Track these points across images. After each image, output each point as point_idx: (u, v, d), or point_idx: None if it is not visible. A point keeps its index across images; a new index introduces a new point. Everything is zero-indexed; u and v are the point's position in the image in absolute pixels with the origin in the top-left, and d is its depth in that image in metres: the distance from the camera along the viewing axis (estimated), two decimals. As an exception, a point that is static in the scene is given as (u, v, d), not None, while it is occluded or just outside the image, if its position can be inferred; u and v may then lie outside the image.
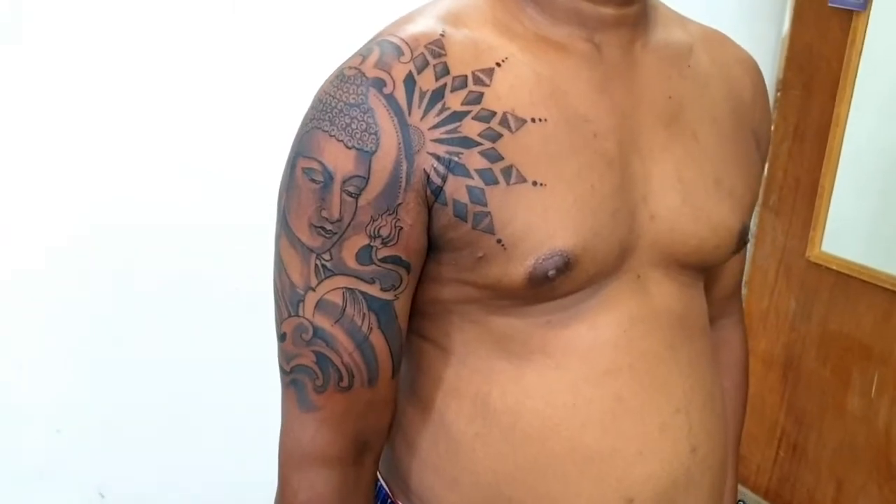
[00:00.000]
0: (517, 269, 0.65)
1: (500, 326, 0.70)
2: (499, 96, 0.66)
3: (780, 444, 2.10)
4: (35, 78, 1.21)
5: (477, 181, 0.64)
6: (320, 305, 0.66)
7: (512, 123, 0.66)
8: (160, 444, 1.47)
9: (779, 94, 2.00)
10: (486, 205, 0.64)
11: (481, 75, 0.66)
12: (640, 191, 0.71)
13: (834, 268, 1.91)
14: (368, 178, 0.64)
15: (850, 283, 1.88)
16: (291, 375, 0.68)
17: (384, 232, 0.64)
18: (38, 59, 1.20)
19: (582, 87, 0.69)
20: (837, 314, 1.93)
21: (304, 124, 0.67)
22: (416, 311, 0.73)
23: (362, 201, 0.64)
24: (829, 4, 1.84)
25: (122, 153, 1.31)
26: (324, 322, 0.66)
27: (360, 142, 0.63)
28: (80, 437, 1.42)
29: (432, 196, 0.65)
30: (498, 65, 0.67)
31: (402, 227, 0.65)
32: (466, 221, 0.65)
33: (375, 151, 0.63)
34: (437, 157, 0.64)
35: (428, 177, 0.64)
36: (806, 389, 2.02)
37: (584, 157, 0.68)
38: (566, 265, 0.66)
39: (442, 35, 0.66)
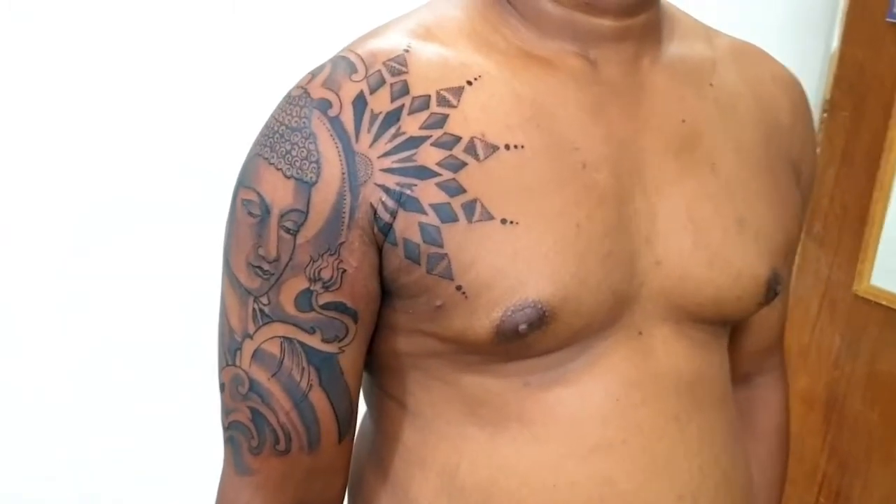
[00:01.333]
0: (482, 322, 0.55)
1: (470, 387, 0.60)
2: (467, 119, 0.56)
3: (820, 489, 1.96)
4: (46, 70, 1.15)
5: (431, 217, 0.55)
6: (257, 355, 0.57)
7: (480, 150, 0.56)
8: (186, 472, 1.39)
9: (825, 115, 1.87)
10: (441, 245, 0.55)
11: (447, 95, 0.56)
12: (644, 231, 0.60)
13: (884, 303, 1.77)
14: (307, 212, 0.55)
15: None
16: (228, 432, 0.61)
17: (325, 275, 0.55)
18: (45, 52, 1.14)
19: (571, 110, 0.59)
20: (887, 353, 1.79)
21: (250, 151, 0.59)
22: (377, 362, 0.63)
23: (301, 239, 0.55)
24: (887, 19, 1.71)
25: (134, 156, 1.24)
26: (260, 375, 0.58)
27: (299, 171, 0.54)
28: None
29: (380, 234, 0.55)
30: (469, 83, 0.57)
31: (345, 270, 0.55)
32: (420, 264, 0.55)
33: (315, 182, 0.54)
34: (387, 190, 0.54)
35: (375, 212, 0.54)
36: (851, 432, 1.88)
37: (569, 190, 0.57)
38: (541, 319, 0.55)
39: (406, 50, 0.57)
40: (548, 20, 0.59)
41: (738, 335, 0.76)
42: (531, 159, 0.57)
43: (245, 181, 0.57)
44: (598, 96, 0.60)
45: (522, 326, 0.55)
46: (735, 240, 0.63)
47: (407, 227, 0.55)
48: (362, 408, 0.67)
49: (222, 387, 0.60)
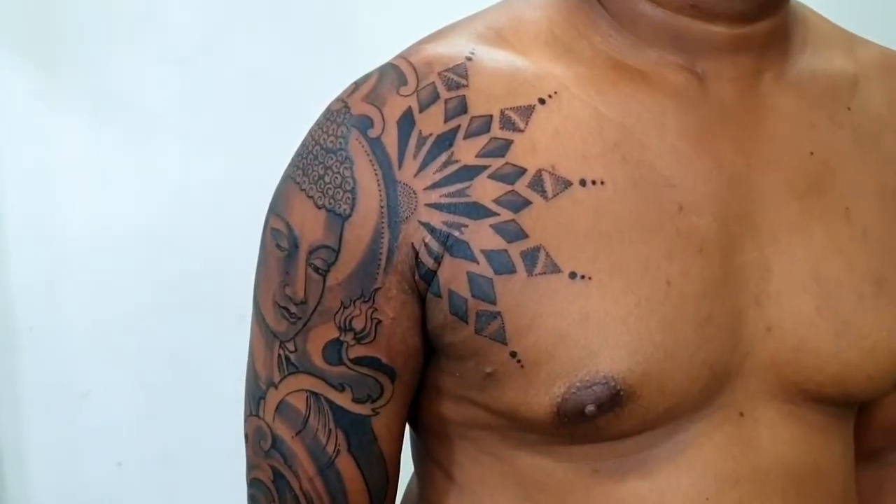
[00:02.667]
0: (540, 399, 0.46)
1: (527, 467, 0.50)
2: (535, 146, 0.46)
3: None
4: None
5: (483, 267, 0.45)
6: (282, 409, 0.50)
7: (548, 186, 0.46)
8: (222, 482, 1.35)
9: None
10: (494, 301, 0.45)
11: (513, 116, 0.47)
12: (753, 290, 0.49)
13: None
14: (339, 250, 0.46)
15: None
16: (250, 490, 0.54)
17: (357, 324, 0.47)
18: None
19: (668, 138, 0.48)
20: None
21: (284, 172, 0.51)
22: (423, 424, 0.54)
23: (331, 280, 0.47)
24: None
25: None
26: (284, 431, 0.50)
27: (332, 200, 0.46)
28: (140, 472, 1.33)
29: (422, 282, 0.46)
30: (542, 101, 0.47)
31: (380, 321, 0.47)
32: (467, 323, 0.46)
33: (349, 215, 0.46)
34: (432, 229, 0.45)
35: (417, 255, 0.46)
36: None
37: (659, 239, 0.47)
38: (614, 399, 0.45)
39: (468, 58, 0.48)
40: (646, 25, 0.48)
41: (867, 406, 0.63)
42: (612, 199, 0.46)
43: (275, 207, 0.50)
44: (705, 120, 0.49)
45: (590, 407, 0.45)
46: (871, 305, 0.50)
47: (453, 276, 0.46)
48: (408, 467, 0.58)
49: (246, 437, 0.53)
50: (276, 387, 0.50)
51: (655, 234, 0.47)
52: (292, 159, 0.50)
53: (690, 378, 0.47)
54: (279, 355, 0.49)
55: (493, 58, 0.48)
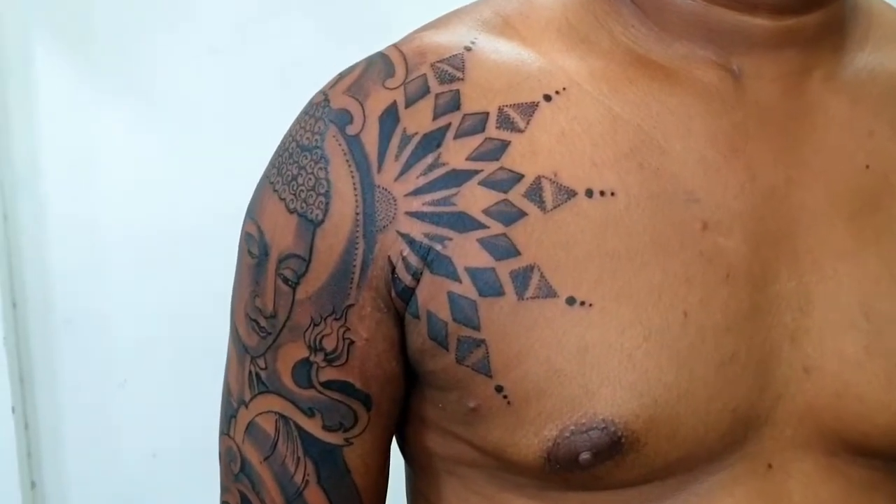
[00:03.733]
0: (528, 441, 0.40)
1: None
2: (535, 149, 0.40)
3: None
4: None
5: (467, 287, 0.40)
6: (251, 430, 0.46)
7: (548, 196, 0.40)
8: None
9: None
10: (478, 327, 0.40)
11: (513, 114, 0.41)
12: (789, 324, 0.42)
13: None
14: (310, 260, 0.42)
15: None
16: None
17: (328, 344, 0.42)
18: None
19: (694, 144, 0.42)
20: None
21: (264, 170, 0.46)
22: (411, 457, 0.49)
23: (301, 293, 0.42)
24: None
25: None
26: (252, 454, 0.46)
27: (304, 204, 0.42)
28: (175, 463, 1.31)
29: (400, 301, 0.41)
30: (547, 98, 0.41)
31: (352, 342, 0.42)
32: (448, 350, 0.40)
33: (322, 222, 0.41)
34: (411, 241, 0.40)
35: (394, 270, 0.40)
36: None
37: (676, 262, 0.40)
38: (614, 446, 0.39)
39: (468, 48, 0.42)
40: (674, 14, 0.42)
41: None
42: (624, 213, 0.40)
43: (250, 209, 0.45)
44: (739, 125, 0.42)
45: (585, 455, 0.39)
46: None
47: (433, 296, 0.40)
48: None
49: (219, 456, 0.49)
50: (246, 406, 0.45)
51: (673, 256, 0.40)
52: (272, 157, 0.45)
53: (708, 424, 0.40)
54: (250, 371, 0.45)
55: (496, 48, 0.43)
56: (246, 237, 0.45)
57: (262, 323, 0.43)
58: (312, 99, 0.44)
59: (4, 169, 1.15)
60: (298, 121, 0.44)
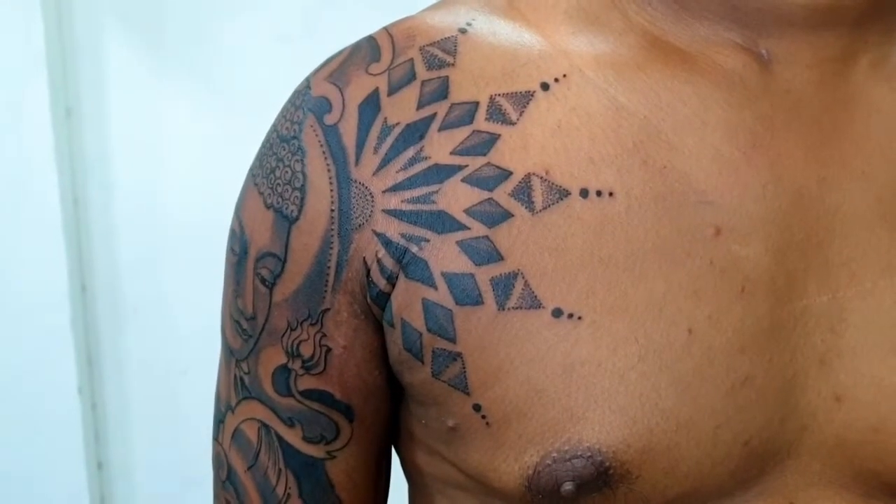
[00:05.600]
0: (509, 467, 0.36)
1: None
2: (527, 144, 0.37)
3: None
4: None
5: (443, 294, 0.36)
6: (237, 437, 0.43)
7: (538, 195, 0.36)
8: None
9: None
10: (454, 339, 0.36)
11: (505, 104, 0.37)
12: (817, 345, 0.37)
13: None
14: (285, 259, 0.39)
15: None
16: None
17: (305, 351, 0.39)
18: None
19: (710, 139, 0.37)
20: None
21: None
22: (406, 471, 0.46)
23: (277, 295, 0.40)
24: None
25: None
26: (237, 463, 0.44)
27: (279, 199, 0.39)
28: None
29: (376, 307, 0.38)
30: (544, 87, 0.37)
31: (329, 349, 0.39)
32: (423, 363, 0.37)
33: (297, 219, 0.38)
34: (387, 242, 0.37)
35: (369, 272, 0.37)
36: None
37: (683, 272, 0.36)
38: (602, 478, 0.35)
39: (462, 30, 0.39)
40: None
41: None
42: (623, 215, 0.36)
43: (236, 205, 0.43)
44: (764, 118, 0.37)
45: (567, 486, 0.35)
46: None
47: (407, 302, 0.37)
48: None
49: (212, 462, 0.47)
50: (232, 411, 0.43)
51: (678, 265, 0.36)
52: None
53: (714, 457, 0.36)
54: (235, 375, 0.43)
55: (494, 30, 0.39)
56: (230, 234, 0.42)
57: (244, 325, 0.41)
58: (297, 87, 0.41)
59: (76, 155, 1.18)
60: (282, 110, 0.41)
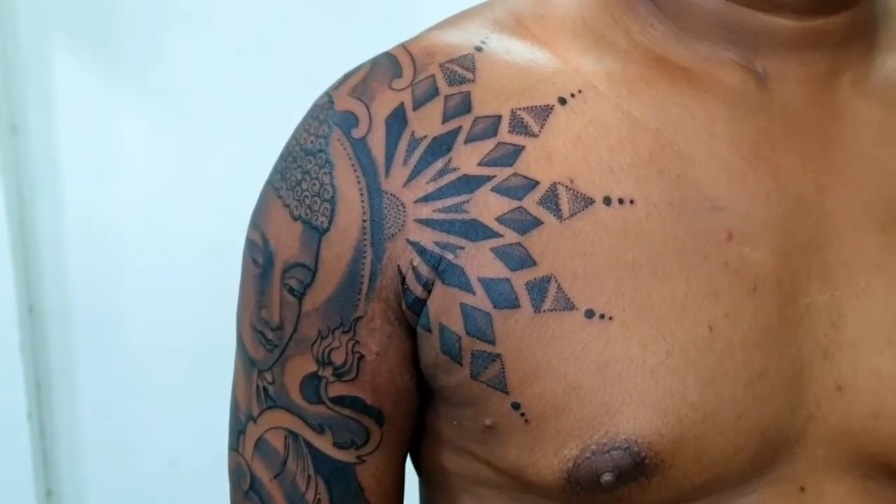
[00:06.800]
0: (548, 461, 0.38)
1: None
2: (550, 155, 0.38)
3: None
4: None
5: (481, 299, 0.38)
6: (260, 446, 0.44)
7: (565, 203, 0.38)
8: None
9: None
10: (493, 341, 0.38)
11: (526, 117, 0.39)
12: (820, 340, 0.40)
13: None
14: (316, 269, 0.40)
15: None
16: None
17: (336, 358, 0.40)
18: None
19: (718, 150, 0.39)
20: None
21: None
22: (426, 474, 0.47)
23: (307, 305, 0.40)
24: None
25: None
26: (262, 472, 0.44)
27: (308, 211, 0.40)
28: (195, 471, 1.30)
29: (411, 313, 0.39)
30: (562, 101, 0.39)
31: (362, 356, 0.40)
32: (462, 365, 0.39)
33: (327, 229, 0.39)
34: (422, 250, 0.38)
35: (404, 280, 0.38)
36: None
37: (700, 273, 0.38)
38: (637, 468, 0.37)
39: (478, 48, 0.41)
40: (695, 14, 0.40)
41: None
42: (644, 221, 0.38)
43: (254, 216, 0.44)
44: (765, 130, 0.40)
45: (606, 476, 0.37)
46: None
47: (445, 308, 0.38)
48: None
49: (229, 472, 0.47)
50: (255, 421, 0.44)
51: (697, 267, 0.38)
52: (276, 161, 0.44)
53: (737, 445, 0.38)
54: (258, 385, 0.43)
55: (508, 48, 0.41)
56: (250, 245, 0.43)
57: (269, 335, 0.42)
58: (316, 101, 0.42)
59: (23, 173, 1.15)
60: (303, 124, 0.42)
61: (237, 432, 0.45)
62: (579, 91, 0.39)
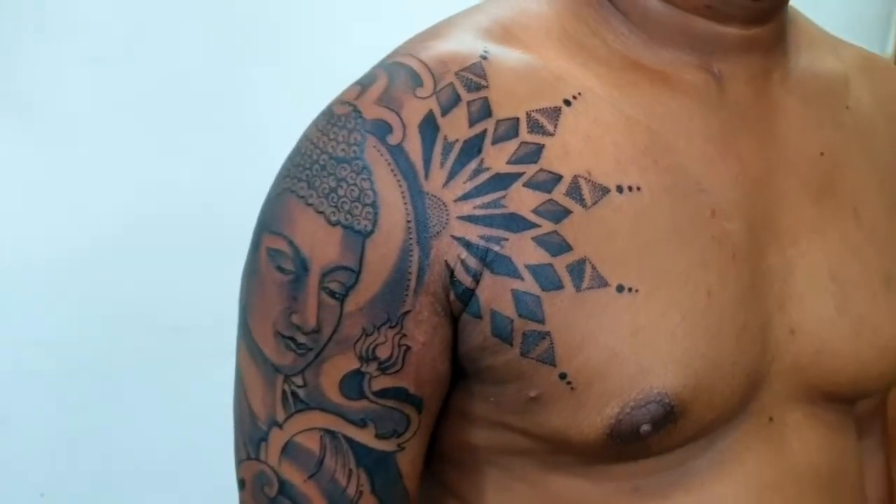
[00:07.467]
0: (591, 421, 0.43)
1: (562, 491, 0.47)
2: (567, 151, 0.43)
3: None
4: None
5: (529, 283, 0.42)
6: (289, 450, 0.45)
7: (587, 193, 0.43)
8: None
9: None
10: (542, 320, 0.42)
11: (541, 118, 0.43)
12: (777, 294, 0.48)
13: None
14: (360, 271, 0.42)
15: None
16: None
17: (382, 353, 0.43)
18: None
19: (695, 141, 0.46)
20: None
21: (276, 183, 0.46)
22: (440, 453, 0.50)
23: (350, 305, 0.42)
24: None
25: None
26: (293, 475, 0.45)
27: (348, 216, 0.42)
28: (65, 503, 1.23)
29: (458, 303, 0.43)
30: (567, 102, 0.44)
31: (408, 347, 0.43)
32: (512, 345, 0.43)
33: (372, 232, 0.42)
34: (468, 244, 0.42)
35: (452, 273, 0.42)
36: None
37: (695, 246, 0.44)
38: (668, 416, 0.43)
39: (483, 57, 0.44)
40: (657, 24, 0.46)
41: None
42: (649, 206, 0.44)
43: (271, 225, 0.44)
44: (726, 123, 0.47)
45: (645, 427, 0.42)
46: (883, 303, 0.50)
47: (496, 295, 0.42)
48: None
49: (241, 483, 0.47)
50: (280, 426, 0.45)
51: (692, 241, 0.44)
52: (286, 170, 0.45)
53: (733, 388, 0.45)
54: (284, 391, 0.44)
55: (508, 56, 0.45)
56: (271, 254, 0.44)
57: (302, 340, 0.43)
58: (333, 111, 0.44)
59: None
60: (322, 132, 0.43)
61: (256, 441, 0.45)
62: (579, 93, 0.44)
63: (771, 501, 0.47)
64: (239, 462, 0.47)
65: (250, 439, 0.46)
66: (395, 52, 0.47)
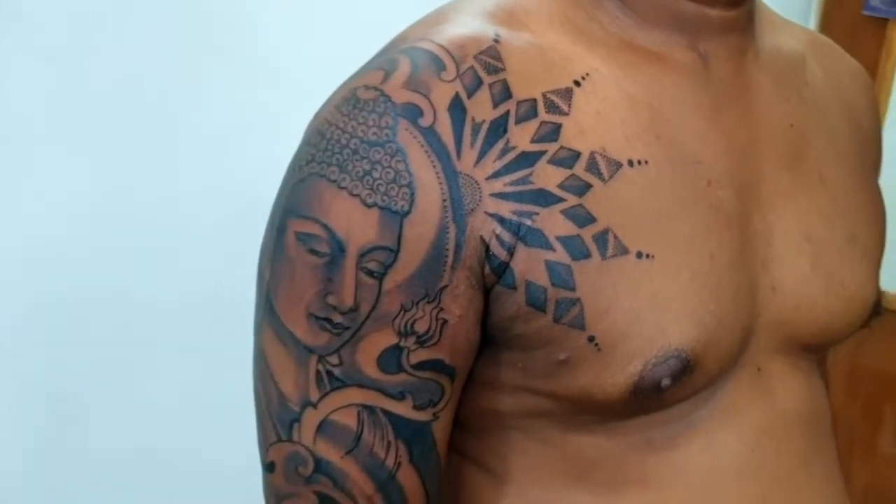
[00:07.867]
0: (615, 379, 0.46)
1: (580, 448, 0.51)
2: (582, 129, 0.46)
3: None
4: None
5: (560, 254, 0.45)
6: (324, 428, 0.46)
7: (603, 168, 0.46)
8: None
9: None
10: (573, 288, 0.45)
11: (555, 99, 0.46)
12: (761, 255, 0.52)
13: (866, 298, 1.74)
14: (398, 250, 0.44)
15: (883, 315, 1.70)
16: None
17: (420, 327, 0.45)
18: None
19: (689, 116, 0.50)
20: (868, 348, 1.76)
21: (297, 169, 0.46)
22: (457, 421, 0.53)
23: (389, 283, 0.44)
24: (862, 12, 1.67)
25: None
26: (330, 452, 0.47)
27: (385, 198, 0.44)
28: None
29: (493, 276, 0.45)
30: (577, 83, 0.47)
31: (445, 321, 0.45)
32: (546, 312, 0.46)
33: (409, 212, 0.44)
34: (501, 220, 0.45)
35: (488, 248, 0.45)
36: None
37: (696, 214, 0.48)
38: (684, 369, 0.47)
39: (496, 40, 0.47)
40: (648, 5, 0.50)
41: None
42: (656, 178, 0.47)
43: (299, 209, 0.45)
44: (714, 99, 0.51)
45: (665, 381, 0.46)
46: (848, 260, 0.55)
47: (530, 266, 0.45)
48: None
49: (270, 467, 0.48)
50: (314, 406, 0.46)
51: (693, 209, 0.48)
52: (308, 155, 0.46)
53: (732, 342, 0.49)
54: (318, 371, 0.46)
55: (518, 40, 0.47)
56: (302, 238, 0.45)
57: (338, 319, 0.45)
58: (358, 95, 0.45)
59: None
60: (349, 117, 0.45)
61: (288, 422, 0.47)
62: (587, 74, 0.48)
63: (766, 445, 0.51)
64: (267, 445, 0.48)
65: (280, 421, 0.47)
66: (404, 37, 0.48)
